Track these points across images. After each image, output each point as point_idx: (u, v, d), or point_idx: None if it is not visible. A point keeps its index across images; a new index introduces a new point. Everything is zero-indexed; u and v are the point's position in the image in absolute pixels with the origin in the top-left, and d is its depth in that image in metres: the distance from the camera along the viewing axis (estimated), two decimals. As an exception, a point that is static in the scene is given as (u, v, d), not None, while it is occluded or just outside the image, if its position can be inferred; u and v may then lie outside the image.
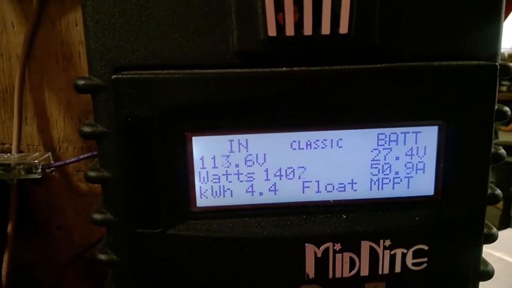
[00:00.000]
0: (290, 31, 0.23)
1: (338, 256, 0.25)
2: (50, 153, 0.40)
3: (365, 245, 0.25)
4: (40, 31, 0.40)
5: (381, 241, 0.25)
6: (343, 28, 0.23)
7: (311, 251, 0.25)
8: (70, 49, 0.40)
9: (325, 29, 0.23)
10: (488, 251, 0.68)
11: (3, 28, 0.40)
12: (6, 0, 0.39)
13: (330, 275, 0.26)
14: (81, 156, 0.38)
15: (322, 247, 0.25)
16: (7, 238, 0.39)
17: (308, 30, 0.23)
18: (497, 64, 0.25)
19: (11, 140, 0.40)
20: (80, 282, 0.45)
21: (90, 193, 0.43)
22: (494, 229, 0.29)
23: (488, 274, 0.29)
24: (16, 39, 0.40)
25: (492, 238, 0.28)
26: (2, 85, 0.41)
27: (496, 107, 0.26)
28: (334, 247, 0.25)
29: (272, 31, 0.23)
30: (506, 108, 0.27)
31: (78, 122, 0.41)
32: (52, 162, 0.39)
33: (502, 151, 0.27)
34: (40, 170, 0.37)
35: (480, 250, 0.27)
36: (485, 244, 0.28)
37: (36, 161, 0.37)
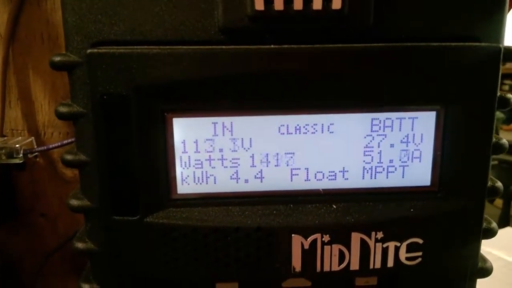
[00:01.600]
0: (279, 5, 0.22)
1: (327, 248, 0.24)
2: (33, 137, 0.38)
3: (355, 237, 0.24)
4: (25, 10, 0.38)
5: (373, 233, 0.24)
6: (336, 3, 0.22)
7: (297, 243, 0.24)
8: (56, 30, 0.38)
9: (317, 3, 0.22)
10: (487, 250, 0.67)
11: (-14, 7, 0.38)
12: (-11, -22, 0.37)
13: (318, 269, 0.24)
14: (65, 141, 0.36)
15: (309, 238, 0.24)
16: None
17: (298, 4, 0.22)
18: (500, 46, 0.23)
19: (-6, 124, 0.39)
20: (65, 271, 0.44)
21: (76, 180, 0.41)
22: (494, 224, 0.27)
23: (486, 272, 0.27)
24: (0, 19, 0.38)
25: (491, 233, 0.27)
26: (-15, 66, 0.39)
27: (498, 93, 0.25)
28: (323, 239, 0.24)
29: (259, 5, 0.22)
30: (510, 95, 0.25)
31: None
32: (35, 147, 0.38)
33: (504, 141, 0.26)
34: (21, 155, 0.36)
35: (478, 246, 0.26)
36: (484, 239, 0.27)
37: (18, 145, 0.36)
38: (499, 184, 0.26)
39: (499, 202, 1.88)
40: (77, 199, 0.25)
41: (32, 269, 0.42)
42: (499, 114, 2.53)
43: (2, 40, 0.38)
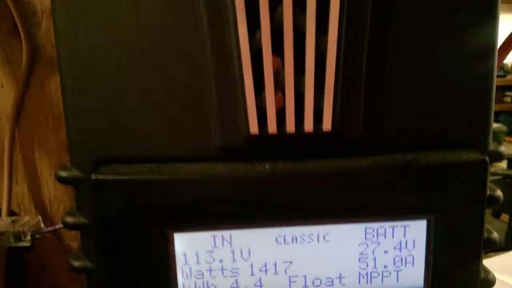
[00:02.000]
0: (272, 128, 0.23)
1: None
2: (40, 216, 0.39)
3: None
4: (30, 92, 0.39)
5: None
6: (327, 125, 0.23)
7: None
8: (60, 110, 0.40)
9: (308, 126, 0.23)
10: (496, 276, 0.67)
11: (-8, 89, 0.39)
12: (-5, 62, 0.39)
13: None
14: (71, 221, 0.37)
15: None
16: (-3, 304, 0.39)
17: (290, 127, 0.23)
18: (486, 158, 0.24)
19: (2, 201, 0.40)
20: None
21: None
22: (491, 274, 0.28)
23: None
24: (6, 99, 0.40)
25: (490, 284, 0.27)
26: (-8, 146, 0.40)
27: (488, 192, 0.25)
28: None
29: (254, 129, 0.23)
30: (498, 193, 0.26)
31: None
32: (43, 226, 0.39)
33: (495, 235, 0.27)
34: (29, 238, 0.37)
35: None
36: None
37: (26, 227, 0.37)
38: (491, 275, 0.27)
39: (505, 217, 1.88)
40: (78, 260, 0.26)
41: None
42: (502, 127, 2.53)
43: (8, 120, 0.39)
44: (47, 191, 0.41)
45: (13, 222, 0.38)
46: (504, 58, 0.28)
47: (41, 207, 0.41)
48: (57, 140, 0.40)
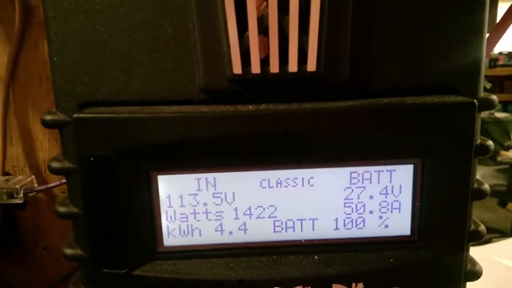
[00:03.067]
0: (256, 68, 0.22)
1: (309, 299, 0.25)
2: (33, 176, 0.40)
3: (336, 288, 0.24)
4: (23, 52, 0.39)
5: (353, 284, 0.25)
6: (311, 66, 0.22)
7: (280, 295, 0.24)
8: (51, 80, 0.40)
9: (292, 66, 0.22)
10: (496, 259, 0.67)
11: (-15, 50, 0.39)
12: (-12, 22, 0.39)
13: (300, 319, 0.25)
14: (63, 180, 0.37)
15: (291, 290, 0.24)
16: (-9, 261, 0.39)
17: (274, 67, 0.22)
18: (474, 101, 0.23)
19: (-3, 162, 0.40)
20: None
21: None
22: (478, 266, 0.27)
23: None
24: (0, 60, 0.40)
25: (475, 275, 0.27)
26: (-14, 107, 0.41)
27: (478, 141, 0.25)
28: (304, 290, 0.24)
29: (237, 69, 0.22)
30: (489, 142, 0.26)
31: (62, 145, 0.41)
32: (36, 185, 0.39)
33: (486, 186, 0.26)
34: (22, 195, 0.37)
35: None
36: (468, 281, 0.27)
37: (18, 185, 0.37)
38: (482, 228, 0.27)
39: (511, 206, 1.87)
40: (70, 248, 0.26)
41: (36, 301, 0.44)
42: (510, 116, 2.51)
43: (2, 81, 0.39)
44: (41, 152, 0.41)
45: (7, 180, 0.38)
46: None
47: (35, 169, 0.42)
48: (51, 101, 0.39)
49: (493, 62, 2.85)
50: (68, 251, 0.26)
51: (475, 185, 0.26)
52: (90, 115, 0.23)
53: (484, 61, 0.25)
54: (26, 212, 0.43)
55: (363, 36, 0.23)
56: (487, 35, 0.33)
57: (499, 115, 2.45)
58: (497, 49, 3.02)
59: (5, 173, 0.41)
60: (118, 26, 0.23)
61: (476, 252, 0.29)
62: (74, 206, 0.25)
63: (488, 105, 0.25)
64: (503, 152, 2.10)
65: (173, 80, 0.23)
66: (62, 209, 0.25)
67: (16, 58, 0.39)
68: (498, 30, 0.32)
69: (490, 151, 0.26)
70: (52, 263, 0.44)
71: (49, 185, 0.38)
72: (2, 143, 0.40)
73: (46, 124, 0.25)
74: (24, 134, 0.41)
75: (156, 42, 0.23)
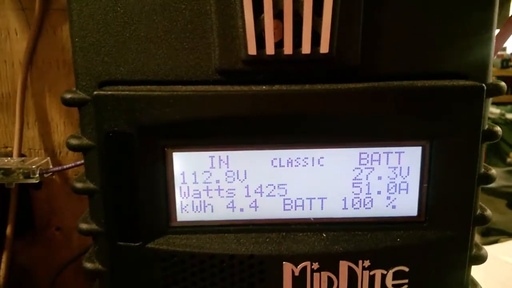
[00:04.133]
0: (270, 49, 0.23)
1: (316, 275, 0.25)
2: (49, 158, 0.41)
3: (343, 265, 0.25)
4: (42, 38, 0.40)
5: (360, 262, 0.25)
6: (324, 48, 0.23)
7: (288, 270, 0.25)
8: (71, 60, 0.41)
9: (306, 48, 0.23)
10: (504, 259, 0.68)
11: (6, 35, 0.41)
12: (9, 8, 0.40)
13: (308, 294, 0.25)
14: (78, 162, 0.38)
15: (299, 266, 0.25)
16: (6, 239, 0.41)
17: (288, 49, 0.23)
18: (483, 85, 0.24)
19: (13, 143, 0.41)
20: (78, 282, 0.46)
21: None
22: (484, 250, 0.28)
23: None
24: (19, 46, 0.41)
25: (480, 259, 0.28)
26: (5, 90, 0.42)
27: (486, 126, 0.26)
28: (312, 266, 0.25)
29: (252, 50, 0.23)
30: (497, 128, 0.26)
31: (78, 127, 0.42)
32: (51, 167, 0.40)
33: (493, 171, 0.27)
34: (38, 175, 0.38)
35: (466, 272, 0.27)
36: (473, 265, 0.28)
37: (34, 166, 0.38)
38: (488, 212, 0.27)
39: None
40: (86, 223, 0.27)
41: (47, 280, 0.45)
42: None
43: (21, 66, 0.40)
44: (57, 135, 0.43)
45: (23, 161, 0.39)
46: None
47: (50, 151, 0.43)
48: (68, 86, 0.41)
49: (505, 62, 2.83)
50: (84, 226, 0.27)
51: (482, 170, 0.26)
52: (109, 92, 0.24)
53: (493, 48, 0.25)
54: (41, 193, 0.44)
55: (376, 21, 0.24)
56: (498, 30, 0.33)
57: (510, 116, 2.43)
58: (509, 50, 2.99)
59: (21, 155, 0.42)
60: (138, 8, 0.24)
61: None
62: (90, 182, 0.26)
63: (496, 90, 0.25)
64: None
65: (189, 60, 0.24)
66: (79, 185, 0.26)
67: (35, 44, 0.40)
68: (509, 25, 0.32)
69: (498, 137, 0.26)
70: (64, 243, 0.45)
71: (64, 167, 0.39)
72: (20, 125, 0.41)
73: (66, 102, 0.25)
74: (40, 117, 0.42)
75: (174, 24, 0.24)
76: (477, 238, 0.27)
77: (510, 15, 0.34)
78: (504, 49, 2.97)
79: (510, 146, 2.31)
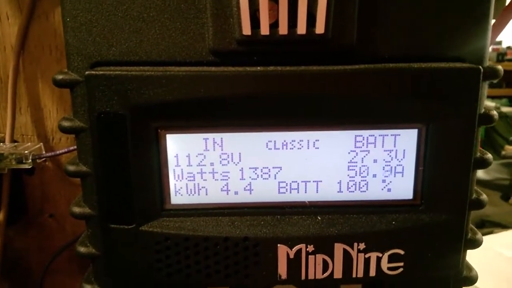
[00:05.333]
0: (265, 30, 0.23)
1: (311, 257, 0.25)
2: (41, 143, 0.40)
3: (338, 248, 0.25)
4: (34, 23, 0.40)
5: (355, 244, 0.25)
6: (319, 28, 0.23)
7: (283, 252, 0.25)
8: (63, 41, 0.40)
9: (301, 28, 0.23)
10: (498, 250, 0.68)
11: (-3, 19, 0.40)
12: (0, -8, 0.39)
13: (303, 277, 0.25)
14: (71, 148, 0.38)
15: (294, 248, 0.25)
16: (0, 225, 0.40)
17: (283, 29, 0.23)
18: (480, 67, 0.24)
19: (5, 129, 0.41)
20: (71, 269, 0.46)
21: (82, 184, 0.43)
22: (479, 235, 0.28)
23: (471, 280, 0.28)
24: (11, 30, 0.40)
25: (476, 244, 0.28)
26: (-3, 75, 0.41)
27: (482, 110, 0.25)
28: (307, 249, 0.25)
29: (246, 30, 0.23)
30: (493, 112, 0.26)
31: (70, 112, 0.42)
32: (44, 152, 0.40)
33: (489, 155, 0.27)
34: (30, 160, 0.37)
35: (461, 256, 0.27)
36: (468, 249, 0.28)
37: (27, 151, 0.38)
38: (484, 197, 0.27)
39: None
40: (79, 207, 0.27)
41: (41, 267, 0.45)
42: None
43: (13, 51, 0.40)
44: (50, 122, 0.42)
45: (15, 147, 0.39)
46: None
47: (43, 137, 0.42)
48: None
49: (501, 56, 2.83)
50: (77, 209, 0.27)
51: (478, 154, 0.26)
52: (101, 72, 0.23)
53: (490, 32, 0.25)
54: (33, 180, 0.43)
55: (372, 2, 0.23)
56: (493, 20, 0.33)
57: (505, 109, 2.44)
58: (505, 43, 3.00)
59: (14, 141, 0.41)
60: None
61: None
62: (83, 165, 0.26)
63: (493, 74, 0.25)
64: (507, 147, 2.10)
65: (183, 41, 0.24)
66: (71, 167, 0.26)
67: (26, 29, 0.40)
68: (505, 14, 0.32)
69: (494, 121, 0.26)
70: (57, 230, 0.45)
71: (57, 152, 0.38)
72: (12, 111, 0.40)
73: (57, 83, 0.25)
74: (33, 103, 0.42)
75: (166, 3, 0.23)
76: None
77: (506, 5, 0.34)
78: (500, 43, 2.98)
79: (504, 139, 2.33)
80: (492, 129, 2.35)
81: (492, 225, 1.46)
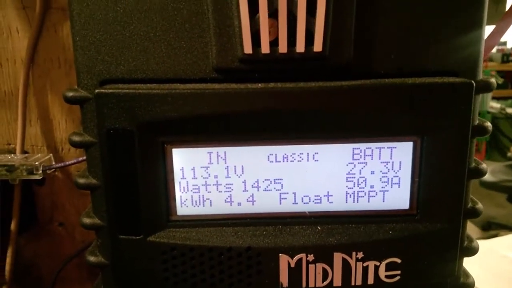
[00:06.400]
0: (265, 48, 0.24)
1: (311, 266, 0.26)
2: (51, 154, 0.41)
3: (337, 257, 0.26)
4: (43, 36, 0.41)
5: (354, 253, 0.26)
6: (317, 47, 0.24)
7: (284, 261, 0.26)
8: (72, 55, 0.41)
9: (300, 47, 0.24)
10: (502, 253, 0.68)
11: (8, 33, 0.41)
12: (11, 7, 0.41)
13: (304, 285, 0.26)
14: (80, 158, 0.39)
15: (295, 257, 0.26)
16: (11, 234, 0.41)
17: (283, 48, 0.24)
18: (472, 82, 0.25)
19: (16, 140, 0.42)
20: (81, 276, 0.47)
21: (91, 193, 0.44)
22: (475, 242, 0.29)
23: (468, 286, 0.29)
24: (21, 44, 0.42)
25: (472, 251, 0.28)
26: (7, 88, 0.43)
27: (476, 122, 0.26)
28: (307, 258, 0.26)
29: (248, 49, 0.24)
30: (487, 124, 0.27)
31: (79, 125, 0.43)
32: (53, 163, 0.41)
33: (483, 166, 0.28)
34: (41, 171, 0.39)
35: (457, 263, 0.28)
36: (465, 257, 0.29)
37: (37, 162, 0.39)
38: (479, 205, 0.28)
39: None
40: (89, 218, 0.28)
41: (51, 274, 0.46)
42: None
43: (23, 64, 0.41)
44: (59, 133, 0.43)
45: (26, 158, 0.40)
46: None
47: (52, 148, 0.44)
48: (68, 84, 0.42)
49: (506, 57, 2.82)
50: (87, 220, 0.28)
51: (473, 164, 0.27)
52: (110, 91, 0.25)
53: (483, 45, 0.26)
54: (44, 190, 0.45)
55: (368, 20, 0.24)
56: (494, 26, 0.34)
57: (510, 110, 2.43)
58: (510, 44, 2.99)
59: (24, 152, 0.43)
60: (137, 8, 0.24)
61: (482, 245, 0.30)
62: (92, 177, 0.27)
63: (486, 87, 0.26)
64: (512, 148, 2.09)
65: (187, 59, 0.25)
66: (81, 180, 0.27)
67: (36, 42, 0.41)
68: (506, 19, 0.33)
69: (488, 132, 0.27)
70: (67, 238, 0.46)
71: (67, 163, 0.39)
72: (22, 123, 0.42)
73: (68, 100, 0.26)
74: (42, 114, 0.43)
75: (172, 23, 0.25)
76: (477, 232, 0.28)
77: (506, 10, 0.34)
78: (505, 43, 2.97)
79: (510, 140, 2.32)
80: (497, 130, 2.35)
81: (498, 227, 1.46)
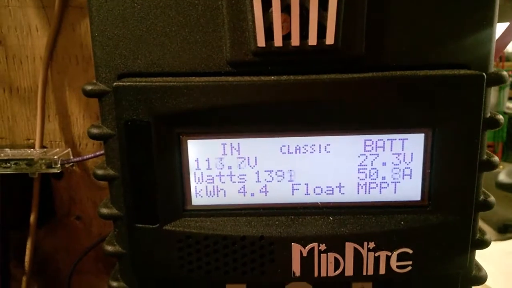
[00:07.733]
0: (278, 42, 0.24)
1: (323, 256, 0.27)
2: (69, 149, 0.43)
3: (349, 247, 0.26)
4: (62, 34, 0.42)
5: (365, 243, 0.26)
6: (330, 39, 0.24)
7: (297, 251, 0.27)
8: (89, 51, 0.42)
9: (312, 40, 0.24)
10: None
11: (28, 31, 0.42)
12: (30, 6, 0.42)
13: (316, 274, 0.27)
14: (98, 153, 0.40)
15: (307, 247, 0.26)
16: (30, 227, 0.43)
17: (295, 41, 0.24)
18: (483, 74, 0.25)
19: (35, 136, 0.43)
20: (98, 268, 0.48)
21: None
22: (487, 236, 0.29)
23: (480, 279, 0.29)
24: (40, 42, 0.43)
25: (484, 244, 0.28)
26: (27, 85, 0.44)
27: (488, 114, 0.26)
28: (319, 248, 0.26)
29: (261, 42, 0.24)
30: (499, 116, 0.27)
31: (96, 120, 0.44)
32: (71, 157, 0.42)
33: (495, 158, 0.28)
34: (59, 165, 0.40)
35: (468, 256, 0.28)
36: (477, 250, 0.29)
37: (56, 156, 0.40)
38: (492, 198, 0.28)
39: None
40: (106, 208, 0.29)
41: (68, 266, 0.47)
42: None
43: (42, 61, 0.42)
44: (77, 128, 0.44)
45: (45, 152, 0.41)
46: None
47: (70, 143, 0.45)
48: (86, 80, 0.43)
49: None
50: (105, 210, 0.29)
51: (485, 156, 0.27)
52: (128, 84, 0.25)
53: (495, 38, 0.26)
54: (61, 184, 0.46)
55: (379, 13, 0.25)
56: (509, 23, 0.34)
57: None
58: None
59: (43, 147, 0.44)
60: (154, 4, 0.25)
61: (498, 247, 0.30)
62: (111, 169, 0.28)
63: (497, 79, 0.26)
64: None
65: (202, 53, 0.26)
66: (100, 171, 0.28)
67: (54, 40, 0.42)
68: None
69: (500, 125, 0.27)
70: (84, 232, 0.47)
71: (85, 157, 0.40)
72: (41, 119, 0.43)
73: (87, 94, 0.27)
74: (60, 110, 0.44)
75: (187, 18, 0.25)
76: (493, 235, 0.28)
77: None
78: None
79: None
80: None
81: (518, 229, 1.43)
